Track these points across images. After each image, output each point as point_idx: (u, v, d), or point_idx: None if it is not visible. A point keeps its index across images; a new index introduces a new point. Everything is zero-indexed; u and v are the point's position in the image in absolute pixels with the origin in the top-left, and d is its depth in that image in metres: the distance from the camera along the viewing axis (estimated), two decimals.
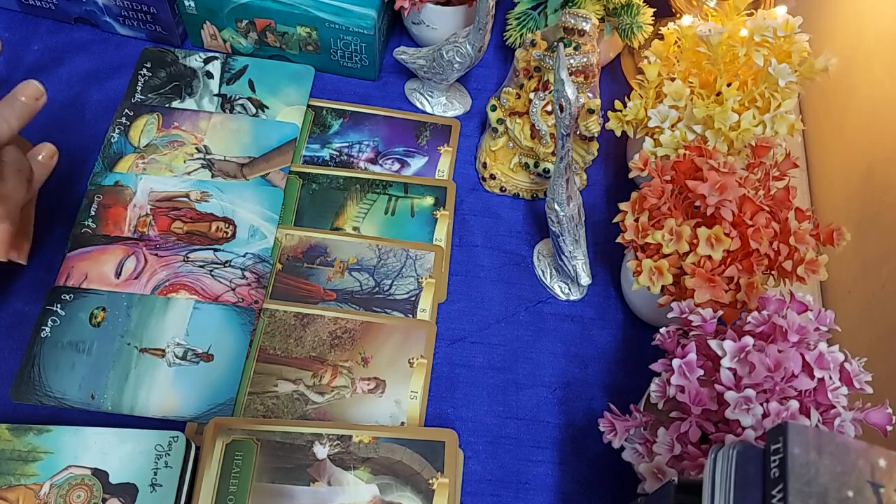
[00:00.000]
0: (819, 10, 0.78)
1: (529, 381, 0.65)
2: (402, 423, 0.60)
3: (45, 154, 0.60)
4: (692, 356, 0.50)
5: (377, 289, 0.66)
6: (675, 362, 0.50)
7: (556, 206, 0.62)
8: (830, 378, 0.47)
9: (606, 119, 0.67)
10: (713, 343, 0.49)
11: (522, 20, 0.74)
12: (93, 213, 0.67)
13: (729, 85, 0.62)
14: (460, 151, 0.76)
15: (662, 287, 0.58)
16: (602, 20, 0.71)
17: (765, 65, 0.60)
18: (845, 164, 0.73)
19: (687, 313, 0.54)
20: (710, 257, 0.55)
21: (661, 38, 0.67)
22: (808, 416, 0.47)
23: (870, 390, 0.48)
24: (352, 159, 0.74)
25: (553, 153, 0.70)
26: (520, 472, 0.61)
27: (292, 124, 0.74)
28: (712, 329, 0.52)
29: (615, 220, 0.61)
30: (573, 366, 0.66)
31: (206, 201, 0.69)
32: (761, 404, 0.46)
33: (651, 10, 0.71)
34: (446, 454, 0.57)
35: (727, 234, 0.55)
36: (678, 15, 0.74)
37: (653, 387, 0.52)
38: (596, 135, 0.68)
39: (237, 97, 0.75)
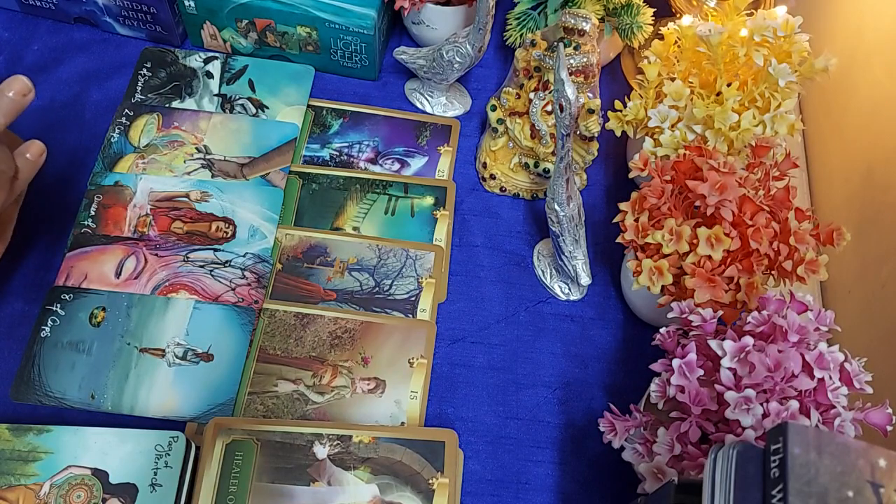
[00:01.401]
0: (819, 10, 0.78)
1: (529, 381, 0.65)
2: (402, 423, 0.60)
3: (33, 152, 0.58)
4: (692, 356, 0.50)
5: (377, 289, 0.66)
6: (675, 362, 0.50)
7: (556, 206, 0.62)
8: (830, 378, 0.47)
9: (606, 119, 0.67)
10: (713, 343, 0.49)
11: (522, 20, 0.74)
12: (93, 213, 0.67)
13: (729, 85, 0.62)
14: (460, 151, 0.76)
15: (662, 287, 0.58)
16: (602, 20, 0.71)
17: (765, 65, 0.60)
18: (845, 164, 0.73)
19: (687, 313, 0.54)
20: (710, 257, 0.55)
21: (661, 38, 0.67)
22: (808, 416, 0.47)
23: (870, 390, 0.48)
24: (352, 159, 0.74)
25: (553, 153, 0.70)
26: (520, 472, 0.61)
27: (292, 124, 0.74)
28: (712, 329, 0.52)
29: (615, 220, 0.61)
30: (573, 366, 0.66)
31: (206, 201, 0.69)
32: (761, 404, 0.46)
33: (651, 10, 0.71)
34: (446, 454, 0.57)
35: (727, 234, 0.55)
36: (678, 15, 0.74)
37: (653, 387, 0.52)
38: (596, 135, 0.68)
39: (237, 97, 0.75)
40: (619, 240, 0.61)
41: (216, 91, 0.75)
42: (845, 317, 0.66)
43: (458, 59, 0.70)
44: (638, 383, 0.64)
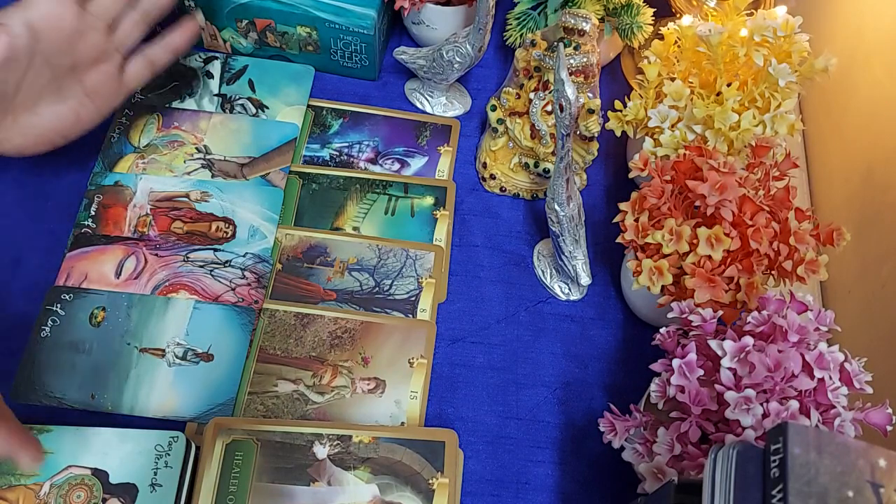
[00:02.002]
0: (819, 10, 0.78)
1: (529, 381, 0.65)
2: (402, 423, 0.60)
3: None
4: (692, 356, 0.50)
5: (377, 289, 0.66)
6: (675, 362, 0.50)
7: (556, 206, 0.62)
8: (830, 378, 0.47)
9: (606, 119, 0.67)
10: (713, 343, 0.49)
11: (522, 20, 0.74)
12: (93, 213, 0.67)
13: (729, 85, 0.62)
14: (460, 151, 0.76)
15: (662, 287, 0.58)
16: (602, 20, 0.71)
17: (765, 65, 0.60)
18: (845, 164, 0.73)
19: (687, 313, 0.54)
20: (710, 257, 0.55)
21: (661, 38, 0.67)
22: (808, 416, 0.47)
23: (870, 390, 0.48)
24: (352, 159, 0.74)
25: (553, 153, 0.70)
26: (520, 472, 0.61)
27: (292, 124, 0.74)
28: (712, 329, 0.52)
29: (615, 220, 0.61)
30: (573, 366, 0.66)
31: (206, 201, 0.69)
32: (761, 404, 0.46)
33: (651, 10, 0.71)
34: (446, 454, 0.57)
35: (727, 234, 0.55)
36: (678, 15, 0.74)
37: (653, 387, 0.52)
38: (596, 135, 0.68)
39: (237, 97, 0.75)
40: (619, 240, 0.61)
41: (216, 91, 0.75)
42: (845, 317, 0.66)
43: (458, 59, 0.70)
44: (638, 383, 0.64)
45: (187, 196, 0.69)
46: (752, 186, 0.57)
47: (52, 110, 0.54)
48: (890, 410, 0.48)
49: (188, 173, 0.70)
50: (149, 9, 0.59)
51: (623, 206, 0.60)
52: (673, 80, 0.64)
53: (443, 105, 0.78)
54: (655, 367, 0.52)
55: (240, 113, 0.74)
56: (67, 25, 0.51)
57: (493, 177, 0.73)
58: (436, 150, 0.75)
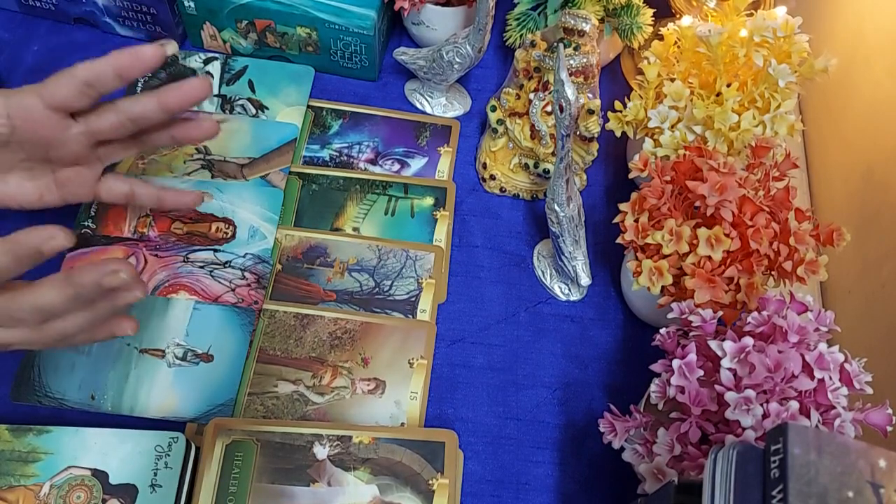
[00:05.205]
0: (819, 11, 0.78)
1: (529, 381, 0.65)
2: (402, 424, 0.60)
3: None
4: (692, 357, 0.50)
5: (377, 289, 0.66)
6: (675, 363, 0.50)
7: (556, 207, 0.62)
8: (830, 378, 0.47)
9: (606, 119, 0.67)
10: (713, 343, 0.49)
11: (522, 21, 0.74)
12: (93, 214, 0.67)
13: (729, 85, 0.62)
14: (460, 152, 0.76)
15: (662, 287, 0.58)
16: (602, 20, 0.71)
17: (765, 65, 0.60)
18: (845, 164, 0.73)
19: (687, 314, 0.54)
20: (710, 258, 0.55)
21: (661, 38, 0.67)
22: (808, 417, 0.47)
23: (870, 391, 0.48)
24: (352, 160, 0.74)
25: (553, 154, 0.70)
26: (520, 473, 0.61)
27: (292, 125, 0.74)
28: (712, 329, 0.52)
29: (615, 221, 0.61)
30: (573, 366, 0.66)
31: (205, 202, 0.68)
32: (761, 405, 0.46)
33: (651, 11, 0.71)
34: (446, 455, 0.57)
35: (727, 235, 0.55)
36: (678, 15, 0.74)
37: (653, 387, 0.52)
38: (596, 135, 0.68)
39: (237, 98, 0.75)
40: (619, 240, 0.61)
41: (216, 92, 0.75)
42: (845, 317, 0.66)
43: (457, 59, 0.70)
44: (638, 384, 0.64)
45: None
46: (752, 187, 0.57)
47: (19, 183, 0.55)
48: (890, 411, 0.48)
49: (188, 174, 0.70)
50: (147, 142, 0.59)
51: (623, 206, 0.60)
52: (673, 80, 0.64)
53: (443, 105, 0.78)
54: (655, 367, 0.52)
55: (240, 113, 0.74)
56: (39, 127, 0.52)
57: (493, 177, 0.73)
58: (436, 150, 0.75)
